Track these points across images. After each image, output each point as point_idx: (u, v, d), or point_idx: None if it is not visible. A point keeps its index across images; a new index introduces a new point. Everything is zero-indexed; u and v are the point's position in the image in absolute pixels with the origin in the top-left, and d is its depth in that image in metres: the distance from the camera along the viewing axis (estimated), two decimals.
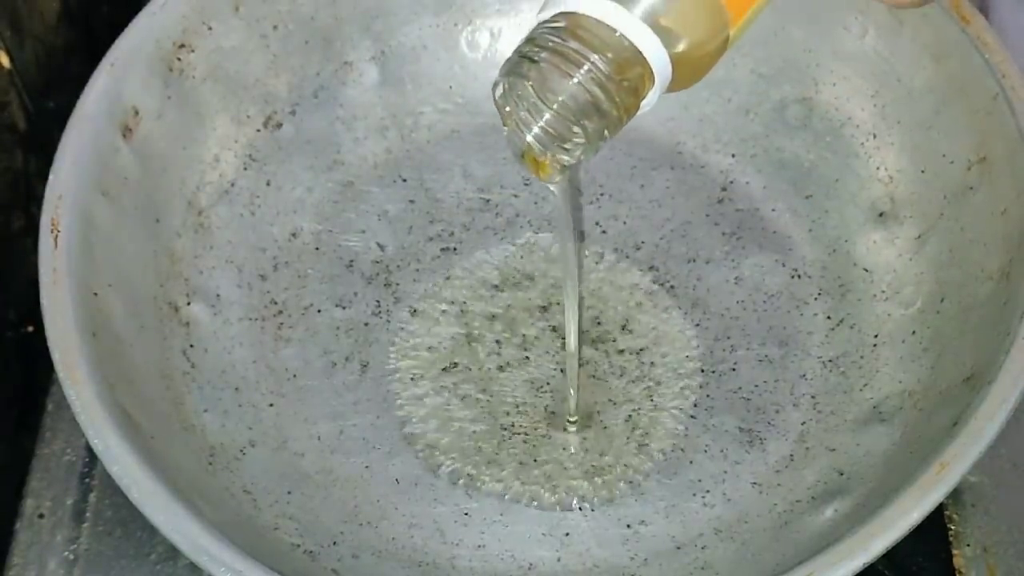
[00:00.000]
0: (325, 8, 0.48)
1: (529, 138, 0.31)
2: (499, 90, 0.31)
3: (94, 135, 0.40)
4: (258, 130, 0.47)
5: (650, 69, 0.30)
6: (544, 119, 0.30)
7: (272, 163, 0.48)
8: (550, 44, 0.30)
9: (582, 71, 0.29)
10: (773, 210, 0.48)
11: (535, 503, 0.42)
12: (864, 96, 0.46)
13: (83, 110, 0.41)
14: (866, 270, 0.46)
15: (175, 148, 0.44)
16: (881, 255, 0.46)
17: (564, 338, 0.44)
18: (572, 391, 0.43)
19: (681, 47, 0.30)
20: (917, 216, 0.45)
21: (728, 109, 0.50)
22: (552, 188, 0.35)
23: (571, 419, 0.43)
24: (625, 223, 0.48)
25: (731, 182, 0.49)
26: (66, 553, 0.43)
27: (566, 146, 0.31)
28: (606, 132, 0.31)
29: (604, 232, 0.48)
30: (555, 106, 0.30)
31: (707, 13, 0.30)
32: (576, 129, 0.30)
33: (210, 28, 0.45)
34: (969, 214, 0.42)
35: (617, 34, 0.29)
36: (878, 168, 0.46)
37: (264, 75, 0.47)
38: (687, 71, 0.31)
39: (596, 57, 0.29)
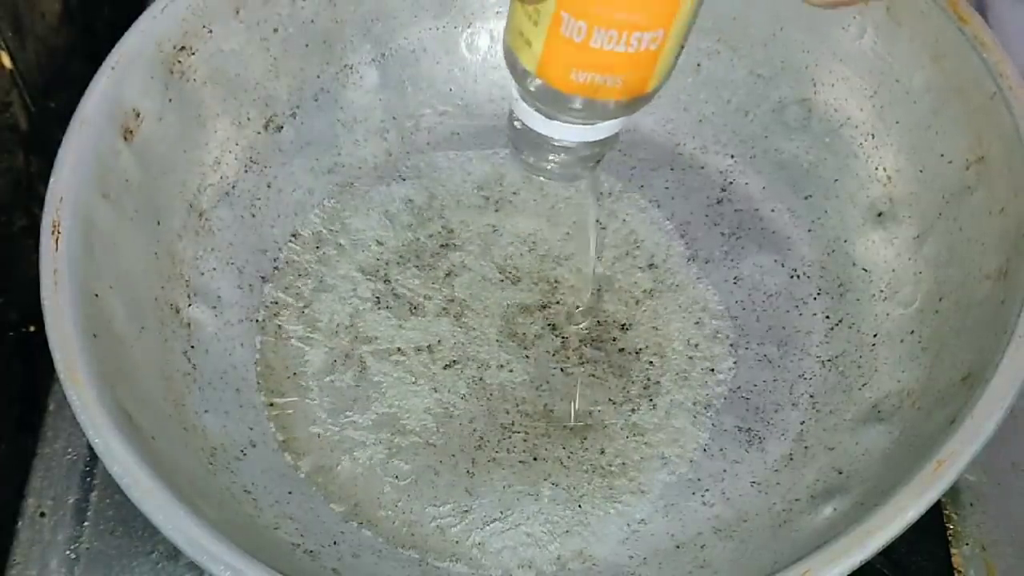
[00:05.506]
0: (325, 11, 0.48)
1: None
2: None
3: (95, 137, 0.41)
4: (259, 132, 0.48)
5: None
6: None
7: (273, 165, 0.48)
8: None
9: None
10: (772, 210, 0.49)
11: (535, 502, 0.42)
12: (862, 96, 0.47)
13: (84, 112, 0.41)
14: (865, 270, 0.46)
15: (176, 150, 0.44)
16: (880, 255, 0.46)
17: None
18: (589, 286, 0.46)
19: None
20: (916, 216, 0.45)
21: (727, 110, 0.50)
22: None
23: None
24: (625, 221, 0.49)
25: (730, 183, 0.50)
26: (67, 552, 0.43)
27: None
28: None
29: (604, 230, 0.48)
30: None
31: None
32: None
33: (211, 31, 0.45)
34: (967, 213, 0.42)
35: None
36: (877, 168, 0.46)
37: (264, 78, 0.47)
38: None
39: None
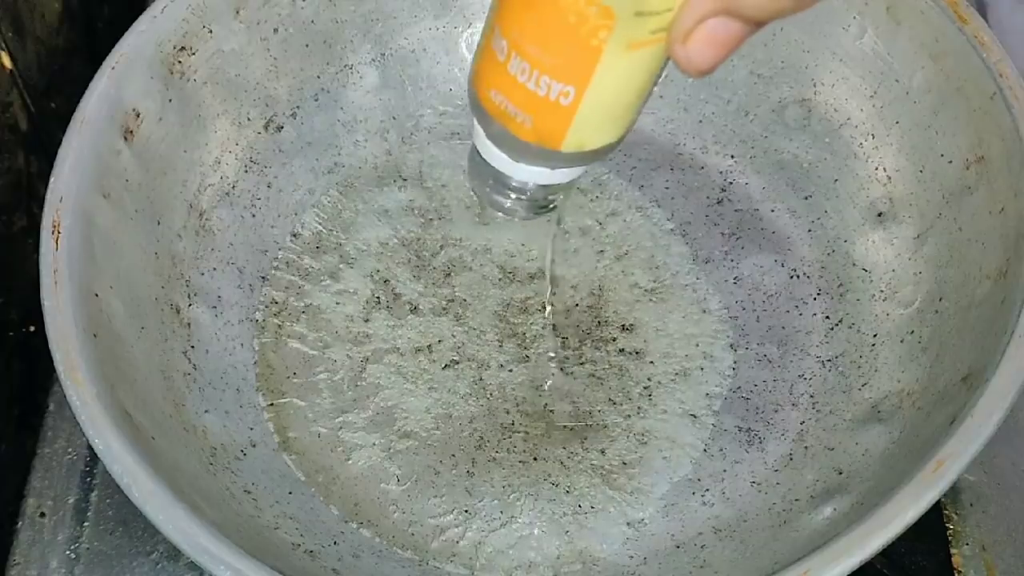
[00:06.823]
0: (325, 12, 0.48)
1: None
2: None
3: (95, 137, 0.41)
4: (259, 133, 0.48)
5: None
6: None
7: (273, 165, 0.48)
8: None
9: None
10: (772, 210, 0.49)
11: (535, 502, 0.42)
12: (862, 96, 0.47)
13: (84, 112, 0.41)
14: (865, 270, 0.46)
15: (176, 150, 0.44)
16: (880, 255, 0.46)
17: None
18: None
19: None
20: (915, 216, 0.45)
21: (727, 110, 0.50)
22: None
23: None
24: (625, 221, 0.49)
25: (730, 183, 0.50)
26: (68, 552, 0.43)
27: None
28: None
29: (604, 231, 0.48)
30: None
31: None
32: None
33: (211, 31, 0.45)
34: (967, 213, 0.42)
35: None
36: (876, 168, 0.46)
37: (265, 78, 0.47)
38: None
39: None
